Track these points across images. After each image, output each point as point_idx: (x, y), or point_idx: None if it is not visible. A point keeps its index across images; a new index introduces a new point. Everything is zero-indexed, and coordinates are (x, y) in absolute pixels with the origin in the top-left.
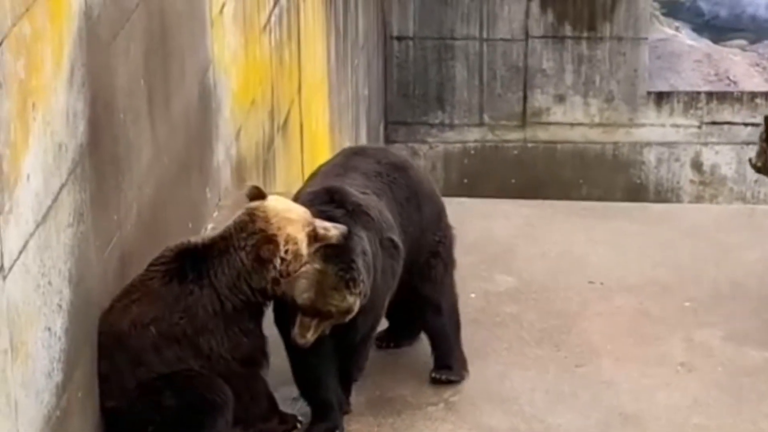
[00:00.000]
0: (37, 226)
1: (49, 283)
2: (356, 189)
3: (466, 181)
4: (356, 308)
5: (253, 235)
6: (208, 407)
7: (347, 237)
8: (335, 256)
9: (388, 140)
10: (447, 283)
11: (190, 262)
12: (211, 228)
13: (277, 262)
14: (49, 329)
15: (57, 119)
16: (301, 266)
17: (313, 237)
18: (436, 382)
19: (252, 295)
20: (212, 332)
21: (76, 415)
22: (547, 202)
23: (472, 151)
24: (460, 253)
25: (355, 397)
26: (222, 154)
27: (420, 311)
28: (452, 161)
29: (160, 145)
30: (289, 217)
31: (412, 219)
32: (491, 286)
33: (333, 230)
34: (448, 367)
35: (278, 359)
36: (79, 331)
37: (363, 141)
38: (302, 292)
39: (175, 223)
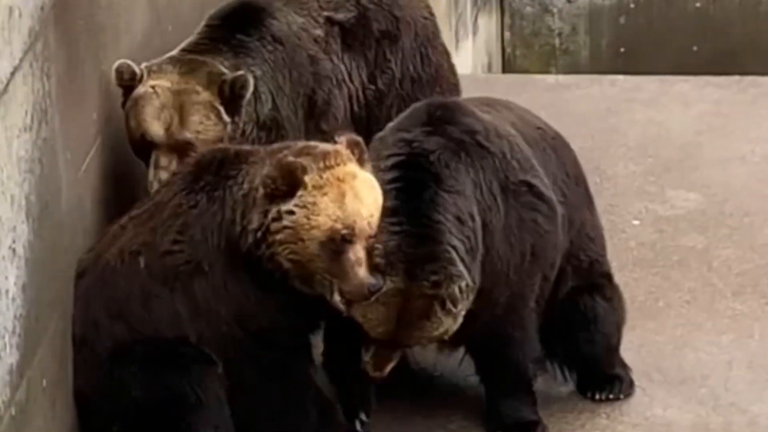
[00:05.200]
0: None
1: None
2: (498, 121)
3: (623, 50)
4: (456, 327)
5: (288, 157)
6: (179, 406)
7: (428, 224)
8: (418, 261)
9: None
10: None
11: (213, 169)
12: None
13: (272, 209)
14: None
15: None
16: (295, 255)
17: (332, 240)
18: (599, 401)
19: (238, 236)
20: (206, 276)
21: (39, 412)
22: (747, 79)
23: (632, 5)
24: (615, 159)
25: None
26: None
27: (586, 291)
28: (602, 21)
29: (160, 5)
30: (344, 194)
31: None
32: (664, 207)
33: (360, 271)
34: (617, 377)
35: None
36: (44, 286)
37: None
38: (375, 324)
39: None
